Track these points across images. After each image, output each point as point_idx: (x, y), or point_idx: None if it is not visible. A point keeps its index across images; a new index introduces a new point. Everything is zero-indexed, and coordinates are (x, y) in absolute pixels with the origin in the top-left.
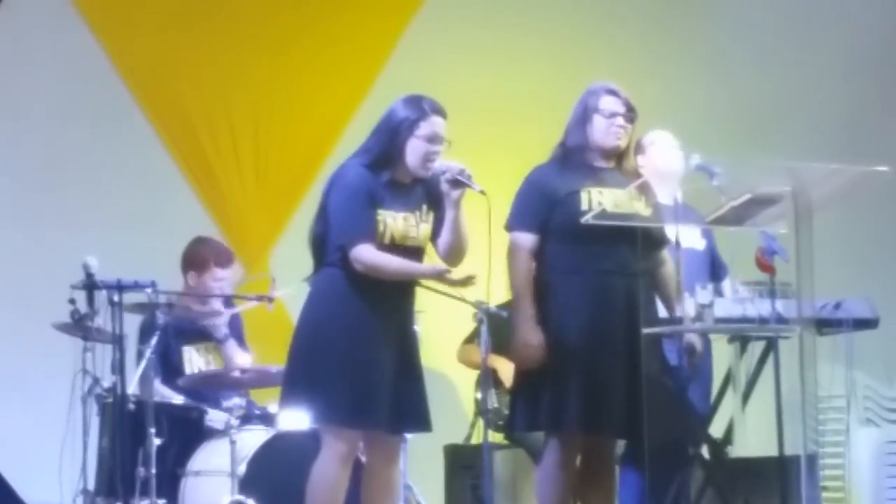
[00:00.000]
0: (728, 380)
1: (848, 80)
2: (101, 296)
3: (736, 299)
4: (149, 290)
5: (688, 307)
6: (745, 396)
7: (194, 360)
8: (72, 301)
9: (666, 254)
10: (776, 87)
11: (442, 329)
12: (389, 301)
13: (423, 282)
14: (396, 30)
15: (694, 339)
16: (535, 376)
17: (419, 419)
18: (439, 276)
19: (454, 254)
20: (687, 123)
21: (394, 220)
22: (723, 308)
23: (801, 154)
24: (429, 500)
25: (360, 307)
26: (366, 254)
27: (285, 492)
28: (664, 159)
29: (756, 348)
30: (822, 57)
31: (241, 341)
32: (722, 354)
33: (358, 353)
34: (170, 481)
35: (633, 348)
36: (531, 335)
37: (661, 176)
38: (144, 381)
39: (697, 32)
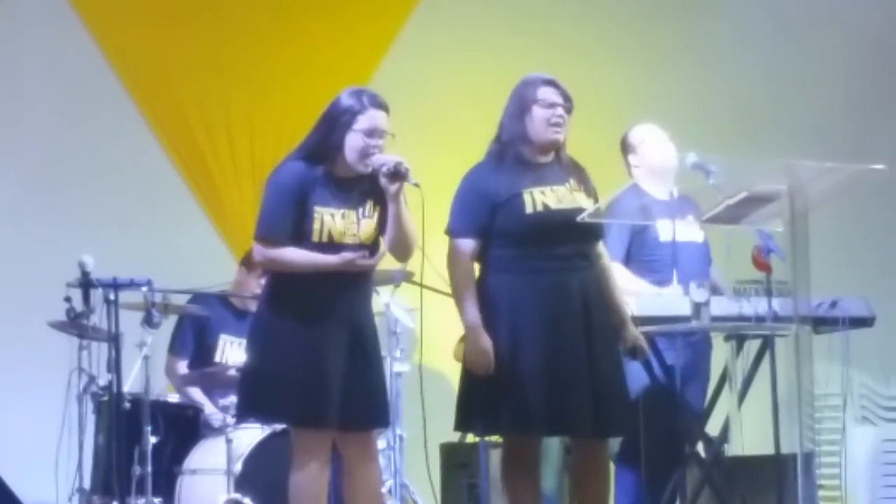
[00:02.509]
0: (724, 378)
1: (844, 78)
2: (97, 294)
3: (732, 298)
4: (144, 289)
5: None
6: (742, 395)
7: (227, 352)
8: (68, 299)
9: (601, 246)
10: (772, 84)
11: (438, 327)
12: (329, 296)
13: (419, 279)
14: (392, 28)
15: (639, 337)
16: (492, 379)
17: (371, 415)
18: (349, 266)
19: (399, 249)
20: (683, 121)
21: (331, 218)
22: (719, 306)
23: (797, 152)
24: (425, 499)
25: (294, 305)
26: (262, 250)
27: (281, 490)
28: (658, 156)
29: (752, 346)
30: (818, 55)
31: None
32: (718, 353)
33: (296, 353)
34: (166, 479)
35: (592, 344)
36: (483, 341)
37: (657, 173)
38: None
39: (694, 31)
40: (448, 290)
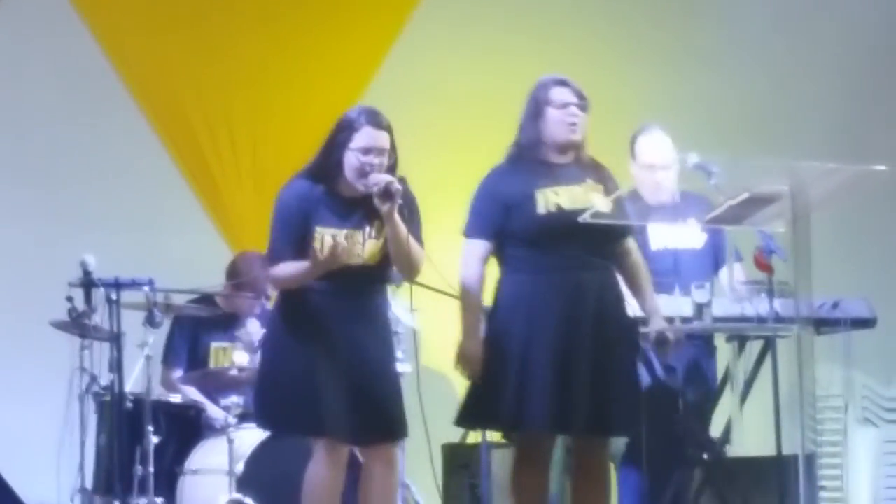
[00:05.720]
0: (726, 379)
1: (846, 78)
2: (98, 294)
3: (734, 298)
4: (146, 289)
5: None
6: (743, 396)
7: (220, 359)
8: (69, 299)
9: (630, 243)
10: (774, 85)
11: (439, 327)
12: (332, 311)
13: (421, 280)
14: (393, 30)
15: (667, 328)
16: (503, 375)
17: (386, 429)
18: (316, 264)
19: (402, 267)
20: (685, 122)
21: (332, 238)
22: (721, 307)
23: (798, 153)
24: (426, 499)
25: (299, 318)
26: (272, 275)
27: (283, 490)
28: (651, 170)
29: (754, 347)
30: (820, 56)
31: None
32: (720, 354)
33: (298, 365)
34: (167, 480)
35: (600, 343)
36: (474, 347)
37: (653, 181)
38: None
39: (695, 31)
40: (448, 290)
